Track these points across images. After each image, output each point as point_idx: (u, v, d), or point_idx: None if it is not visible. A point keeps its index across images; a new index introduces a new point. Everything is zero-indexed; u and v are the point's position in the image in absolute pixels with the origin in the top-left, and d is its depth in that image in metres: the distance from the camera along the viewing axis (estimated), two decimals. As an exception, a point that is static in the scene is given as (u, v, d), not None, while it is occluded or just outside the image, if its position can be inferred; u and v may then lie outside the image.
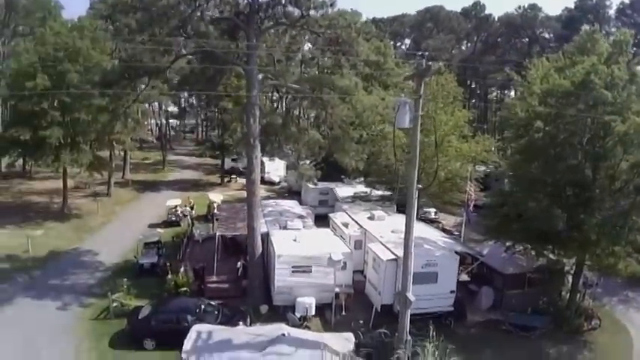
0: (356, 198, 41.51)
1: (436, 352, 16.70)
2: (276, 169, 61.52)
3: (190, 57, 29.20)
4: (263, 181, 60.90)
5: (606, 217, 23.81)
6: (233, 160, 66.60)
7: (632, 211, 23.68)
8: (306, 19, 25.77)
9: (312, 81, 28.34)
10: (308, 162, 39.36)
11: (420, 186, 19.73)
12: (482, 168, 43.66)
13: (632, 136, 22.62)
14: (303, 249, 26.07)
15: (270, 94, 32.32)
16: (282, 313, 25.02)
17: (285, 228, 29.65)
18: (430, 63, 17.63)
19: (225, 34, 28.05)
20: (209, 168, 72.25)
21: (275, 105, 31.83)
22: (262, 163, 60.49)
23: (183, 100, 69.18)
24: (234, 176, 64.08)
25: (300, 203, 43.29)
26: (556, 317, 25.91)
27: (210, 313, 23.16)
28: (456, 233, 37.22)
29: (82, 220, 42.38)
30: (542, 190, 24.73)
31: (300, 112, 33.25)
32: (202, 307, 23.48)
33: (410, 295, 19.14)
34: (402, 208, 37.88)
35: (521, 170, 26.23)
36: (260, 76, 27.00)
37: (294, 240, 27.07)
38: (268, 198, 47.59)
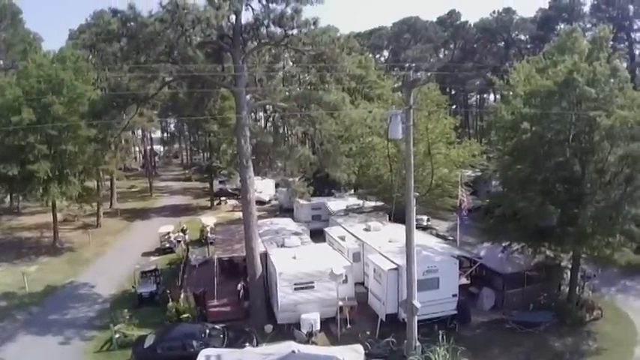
0: (349, 211, 41.70)
1: (447, 356, 16.81)
2: (265, 188, 61.46)
3: (177, 82, 29.31)
4: (253, 201, 61.34)
5: (600, 210, 24.20)
6: (221, 182, 66.43)
7: (622, 201, 24.11)
8: (289, 38, 26.02)
9: (299, 98, 28.52)
10: (297, 179, 39.53)
11: (417, 194, 20.01)
12: (469, 172, 44.16)
13: (617, 129, 23.03)
14: (303, 265, 26.07)
15: (257, 114, 32.45)
16: (286, 331, 24.98)
17: (282, 246, 29.64)
18: (418, 74, 18.06)
19: (210, 57, 28.32)
20: (197, 192, 71.90)
21: (263, 124, 32.00)
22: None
23: (172, 125, 68.42)
24: (224, 198, 64.04)
25: (293, 220, 43.43)
26: (558, 311, 26.20)
27: (215, 337, 23.07)
28: (450, 238, 37.48)
29: (76, 253, 42.05)
30: (533, 188, 25.09)
31: (288, 130, 33.47)
32: (207, 331, 23.38)
33: (416, 302, 19.33)
34: (395, 218, 38.42)
35: (511, 171, 26.57)
36: (248, 97, 27.18)
37: (294, 257, 27.06)
38: (260, 218, 47.68)
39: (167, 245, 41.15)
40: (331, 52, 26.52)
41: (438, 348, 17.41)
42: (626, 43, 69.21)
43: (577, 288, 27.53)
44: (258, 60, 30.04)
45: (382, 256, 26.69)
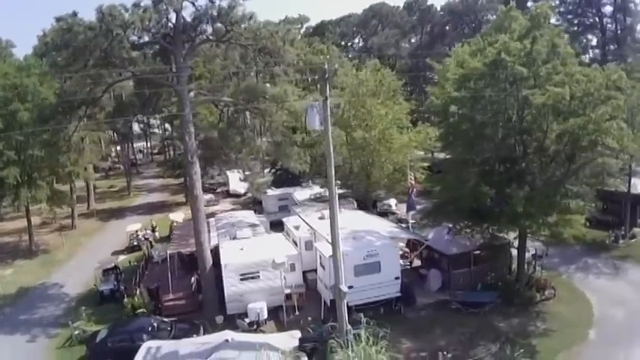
0: (313, 200, 42.25)
1: (370, 339, 17.27)
2: (240, 180, 61.90)
3: (125, 83, 29.78)
4: (229, 194, 61.96)
5: (536, 189, 24.28)
6: (197, 177, 66.54)
7: (564, 179, 24.28)
8: (231, 33, 26.47)
9: (245, 92, 28.93)
10: (267, 170, 40.09)
11: (338, 182, 20.62)
12: (442, 155, 44.62)
13: (549, 107, 22.86)
14: (248, 256, 26.78)
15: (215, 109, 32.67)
16: (236, 321, 25.54)
17: (234, 238, 30.28)
18: (326, 66, 18.57)
19: (156, 56, 28.78)
20: (175, 188, 71.40)
21: (218, 118, 32.32)
22: (226, 176, 61.64)
23: (119, 126, 67.05)
24: (199, 193, 64.28)
25: (262, 211, 44.10)
26: (506, 291, 26.32)
27: (163, 330, 23.90)
28: (412, 221, 38.10)
29: (50, 255, 42.88)
30: (471, 170, 25.43)
31: (242, 123, 33.93)
32: (156, 324, 24.21)
33: (343, 287, 19.95)
34: (362, 205, 39.10)
35: (451, 153, 26.99)
36: (192, 94, 27.65)
37: (241, 249, 27.80)
38: (234, 210, 48.46)
39: (135, 243, 41.81)
40: (273, 45, 26.93)
41: (361, 332, 17.87)
42: (597, 19, 69.06)
43: (527, 267, 27.63)
44: (212, 56, 30.40)
45: (328, 243, 27.21)
